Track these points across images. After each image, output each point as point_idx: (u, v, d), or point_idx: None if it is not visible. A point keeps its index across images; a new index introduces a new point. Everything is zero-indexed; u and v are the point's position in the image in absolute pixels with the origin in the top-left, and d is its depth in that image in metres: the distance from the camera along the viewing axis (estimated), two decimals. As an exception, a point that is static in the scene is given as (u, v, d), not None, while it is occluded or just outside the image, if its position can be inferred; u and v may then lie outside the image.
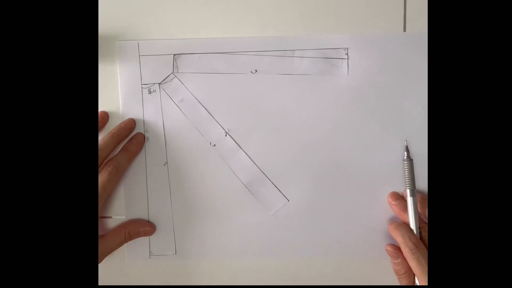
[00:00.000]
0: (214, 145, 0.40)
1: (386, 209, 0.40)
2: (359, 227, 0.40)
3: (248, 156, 0.40)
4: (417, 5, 0.39)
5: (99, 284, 0.41)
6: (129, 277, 0.42)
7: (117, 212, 0.41)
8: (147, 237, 0.41)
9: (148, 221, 0.41)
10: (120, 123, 0.40)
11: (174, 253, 0.41)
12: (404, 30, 0.39)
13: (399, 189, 0.40)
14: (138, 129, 0.40)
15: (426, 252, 0.35)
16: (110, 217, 0.41)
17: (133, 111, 0.40)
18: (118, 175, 0.39)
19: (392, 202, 0.39)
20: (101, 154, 0.38)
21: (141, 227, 0.40)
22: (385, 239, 0.40)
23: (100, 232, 0.41)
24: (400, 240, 0.36)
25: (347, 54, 0.39)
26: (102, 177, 0.37)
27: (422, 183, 0.40)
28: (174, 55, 0.40)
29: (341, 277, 0.41)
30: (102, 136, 0.40)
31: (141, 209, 0.41)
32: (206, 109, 0.40)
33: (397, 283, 0.39)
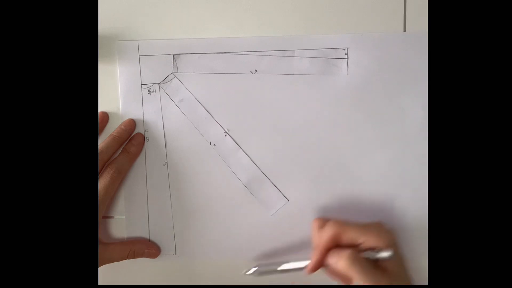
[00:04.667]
0: (214, 145, 0.40)
1: (386, 208, 0.40)
2: (359, 227, 0.40)
3: (248, 156, 0.40)
4: (417, 5, 0.39)
5: (99, 284, 0.41)
6: (129, 277, 0.42)
7: (118, 212, 0.41)
8: (147, 237, 0.41)
9: (155, 244, 0.41)
10: (120, 125, 0.40)
11: (174, 253, 0.41)
12: (404, 30, 0.39)
13: (398, 189, 0.40)
14: (138, 129, 0.40)
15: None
16: (112, 217, 0.41)
17: (133, 111, 0.40)
18: (119, 178, 0.39)
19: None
20: (102, 157, 0.38)
21: (146, 249, 0.40)
22: (385, 239, 0.40)
23: (103, 234, 0.41)
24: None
25: (347, 54, 0.39)
26: (104, 180, 0.37)
27: (422, 183, 0.40)
28: (174, 55, 0.40)
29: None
30: (102, 139, 0.40)
31: (141, 209, 0.41)
32: (206, 109, 0.40)
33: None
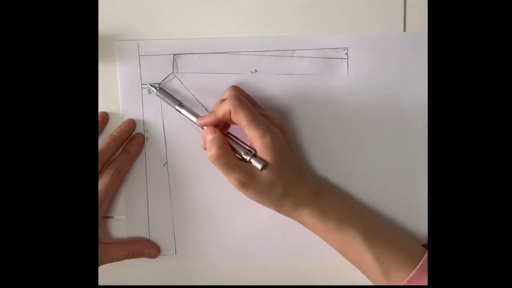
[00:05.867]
0: (214, 145, 0.40)
1: (387, 208, 0.40)
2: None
3: (248, 156, 0.40)
4: (417, 5, 0.39)
5: (99, 284, 0.41)
6: (129, 277, 0.42)
7: (118, 212, 0.41)
8: (147, 237, 0.41)
9: (154, 244, 0.41)
10: (120, 125, 0.40)
11: (174, 253, 0.41)
12: (404, 30, 0.39)
13: (398, 188, 0.40)
14: (138, 129, 0.40)
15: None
16: (112, 217, 0.41)
17: (133, 111, 0.40)
18: (119, 178, 0.39)
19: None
20: (102, 157, 0.38)
21: (146, 249, 0.40)
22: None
23: (103, 234, 0.41)
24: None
25: (346, 54, 0.39)
26: (104, 180, 0.37)
27: (422, 182, 0.40)
28: (174, 55, 0.40)
29: (341, 276, 0.41)
30: (102, 139, 0.40)
31: (141, 209, 0.41)
32: (206, 109, 0.40)
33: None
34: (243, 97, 0.35)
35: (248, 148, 0.35)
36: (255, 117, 0.34)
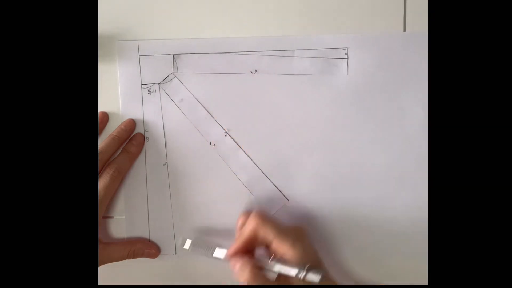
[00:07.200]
0: (214, 145, 0.40)
1: (386, 208, 0.40)
2: (358, 227, 0.40)
3: (248, 156, 0.40)
4: (417, 5, 0.39)
5: (99, 284, 0.41)
6: (129, 277, 0.42)
7: (118, 212, 0.41)
8: (147, 237, 0.41)
9: (154, 244, 0.41)
10: (120, 125, 0.40)
11: (174, 253, 0.41)
12: (404, 30, 0.39)
13: (398, 188, 0.40)
14: (138, 129, 0.40)
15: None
16: (112, 217, 0.41)
17: (133, 111, 0.40)
18: (119, 177, 0.39)
19: None
20: (102, 157, 0.38)
21: (146, 249, 0.40)
22: (385, 238, 0.40)
23: (103, 234, 0.41)
24: None
25: (346, 54, 0.39)
26: (104, 180, 0.37)
27: (422, 183, 0.40)
28: (174, 55, 0.40)
29: (341, 277, 0.41)
30: (102, 139, 0.40)
31: (141, 209, 0.41)
32: (206, 109, 0.40)
33: (397, 283, 0.39)
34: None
35: (298, 265, 0.32)
36: (281, 228, 0.34)
